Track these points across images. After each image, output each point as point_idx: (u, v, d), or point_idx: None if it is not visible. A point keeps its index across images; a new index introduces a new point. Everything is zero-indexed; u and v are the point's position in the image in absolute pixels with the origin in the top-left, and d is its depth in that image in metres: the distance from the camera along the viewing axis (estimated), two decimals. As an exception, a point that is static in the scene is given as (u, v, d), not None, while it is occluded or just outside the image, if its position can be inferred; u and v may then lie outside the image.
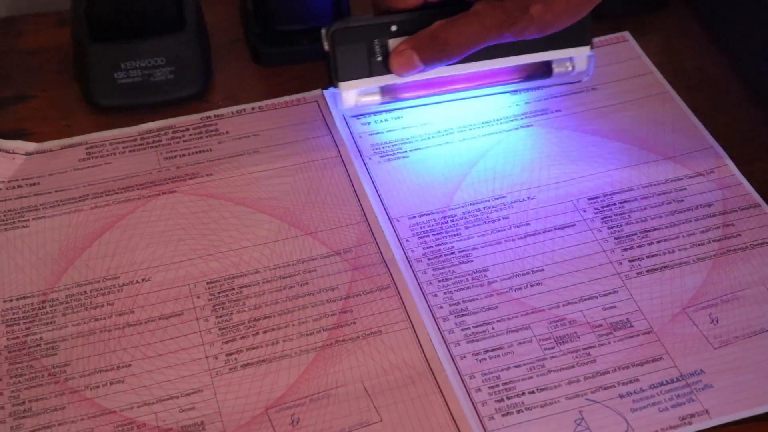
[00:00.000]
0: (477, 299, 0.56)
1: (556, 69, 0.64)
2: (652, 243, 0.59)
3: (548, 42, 0.61)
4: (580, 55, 0.64)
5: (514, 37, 0.58)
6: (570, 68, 0.64)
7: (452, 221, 0.60)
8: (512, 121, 0.67)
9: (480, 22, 0.57)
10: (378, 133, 0.66)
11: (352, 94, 0.62)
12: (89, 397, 0.51)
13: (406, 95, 0.64)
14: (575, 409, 0.51)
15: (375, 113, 0.66)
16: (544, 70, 0.64)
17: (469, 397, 0.52)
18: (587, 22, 0.61)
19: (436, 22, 0.58)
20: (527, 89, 0.68)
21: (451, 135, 0.66)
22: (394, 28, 0.59)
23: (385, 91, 0.63)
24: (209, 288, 0.56)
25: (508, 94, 0.68)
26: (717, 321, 0.56)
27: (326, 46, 0.60)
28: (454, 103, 0.67)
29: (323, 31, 0.60)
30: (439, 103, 0.66)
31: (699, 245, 0.59)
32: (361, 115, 0.67)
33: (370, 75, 0.60)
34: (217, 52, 0.71)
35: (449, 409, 0.51)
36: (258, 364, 0.53)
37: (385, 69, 0.60)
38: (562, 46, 0.63)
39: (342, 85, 0.61)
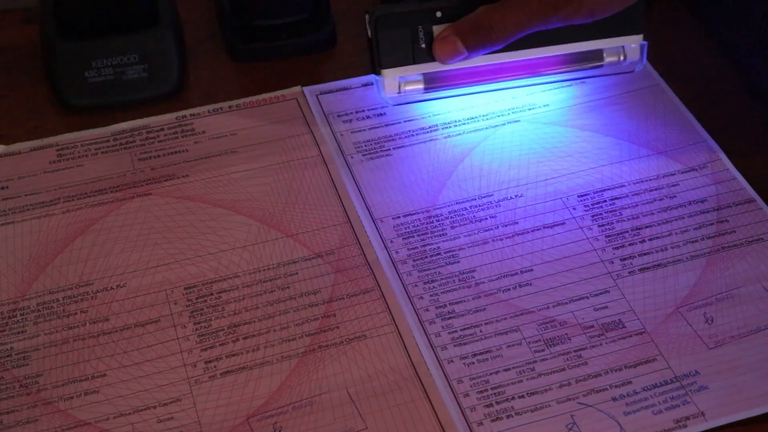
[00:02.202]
0: (464, 301, 0.57)
1: (607, 58, 0.64)
2: (644, 241, 0.60)
3: (599, 29, 0.62)
4: (632, 43, 0.64)
5: (562, 23, 0.58)
6: (622, 58, 0.64)
7: (438, 221, 0.61)
8: (499, 116, 0.67)
9: (526, 6, 0.57)
10: (360, 130, 0.66)
11: (395, 82, 0.62)
12: (63, 409, 0.51)
13: (452, 84, 0.64)
14: (567, 413, 0.52)
15: (351, 113, 0.67)
16: (594, 58, 0.64)
17: (457, 402, 0.52)
18: (641, 8, 0.61)
19: (481, 7, 0.58)
20: (577, 79, 0.68)
21: (436, 132, 0.66)
22: (438, 14, 0.60)
23: (429, 78, 0.63)
24: (187, 293, 0.56)
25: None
26: (712, 320, 0.56)
27: (369, 32, 0.61)
28: (440, 99, 0.68)
29: (366, 16, 0.61)
30: (486, 92, 0.66)
31: (692, 242, 0.60)
32: (342, 113, 0.67)
33: (414, 62, 0.61)
34: (193, 49, 0.71)
35: (437, 415, 0.51)
36: (238, 372, 0.53)
37: (429, 56, 0.61)
38: (614, 34, 0.63)
39: (385, 72, 0.61)
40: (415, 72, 0.62)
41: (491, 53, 0.61)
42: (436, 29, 0.60)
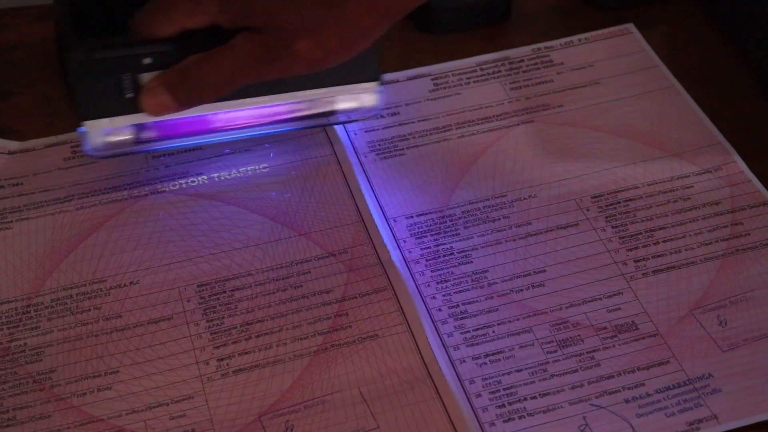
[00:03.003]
0: (477, 301, 0.57)
1: (341, 106, 0.59)
2: (657, 243, 0.60)
3: (333, 76, 0.56)
4: (368, 91, 0.59)
5: (278, 75, 0.52)
6: (357, 104, 0.60)
7: (451, 221, 0.61)
8: (513, 116, 0.67)
9: (237, 58, 0.51)
10: (374, 130, 0.66)
11: (100, 134, 0.55)
12: (76, 405, 0.52)
13: (168, 134, 0.57)
14: (579, 414, 0.52)
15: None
16: (327, 107, 0.59)
17: (469, 402, 0.52)
18: (376, 54, 0.57)
19: (190, 56, 0.52)
20: (310, 126, 0.62)
21: (450, 131, 0.66)
22: (147, 60, 0.53)
23: (140, 130, 0.56)
24: (199, 291, 0.57)
25: (508, 89, 0.69)
26: (725, 323, 0.56)
27: (67, 75, 0.53)
28: (452, 98, 0.68)
29: (65, 56, 0.53)
30: (211, 142, 0.61)
31: (706, 245, 0.60)
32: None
33: (121, 113, 0.54)
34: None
35: (449, 416, 0.52)
36: (251, 370, 0.53)
37: (138, 106, 0.54)
38: (349, 81, 0.58)
39: (87, 124, 0.54)
40: (123, 124, 0.55)
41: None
42: (145, 77, 0.53)
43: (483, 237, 0.60)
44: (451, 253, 0.59)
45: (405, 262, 0.59)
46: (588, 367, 0.54)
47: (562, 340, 0.55)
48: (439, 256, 0.59)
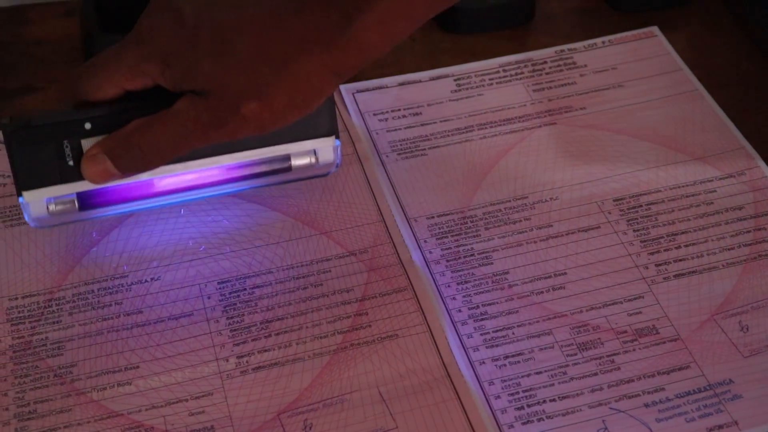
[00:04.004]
0: (497, 303, 0.57)
1: (296, 162, 0.56)
2: (679, 247, 0.60)
3: (287, 133, 0.54)
4: (325, 146, 0.56)
5: (226, 140, 0.49)
6: (313, 160, 0.57)
7: (472, 222, 0.61)
8: (535, 118, 0.67)
9: (181, 123, 0.48)
10: (396, 129, 0.66)
11: (42, 204, 0.52)
12: (96, 399, 0.52)
13: (115, 200, 0.55)
14: (598, 418, 0.52)
15: (387, 111, 0.66)
16: (281, 164, 0.56)
17: (488, 404, 0.52)
18: (330, 109, 0.55)
19: (133, 121, 0.49)
20: (264, 185, 0.59)
21: (472, 132, 0.66)
22: (87, 125, 0.50)
23: (84, 197, 0.53)
24: (220, 288, 0.57)
25: (523, 89, 0.68)
26: (747, 329, 0.56)
27: (5, 147, 0.51)
28: (475, 98, 0.68)
29: (0, 125, 0.51)
30: (161, 206, 0.58)
31: (729, 250, 0.59)
32: (378, 112, 0.67)
33: (62, 181, 0.51)
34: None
35: (467, 417, 0.51)
36: (270, 368, 0.53)
37: (80, 174, 0.51)
38: (304, 137, 0.55)
39: (26, 195, 0.51)
40: (65, 192, 0.52)
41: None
42: (86, 143, 0.50)
43: (504, 238, 0.60)
44: (472, 254, 0.59)
45: (425, 262, 0.58)
46: (608, 370, 0.54)
47: (582, 343, 0.55)
48: (460, 257, 0.59)
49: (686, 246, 0.60)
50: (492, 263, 0.59)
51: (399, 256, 0.59)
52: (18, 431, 0.50)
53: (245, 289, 0.57)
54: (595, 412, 0.52)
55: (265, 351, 0.54)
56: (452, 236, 0.60)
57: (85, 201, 0.53)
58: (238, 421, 0.51)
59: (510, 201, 0.62)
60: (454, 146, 0.65)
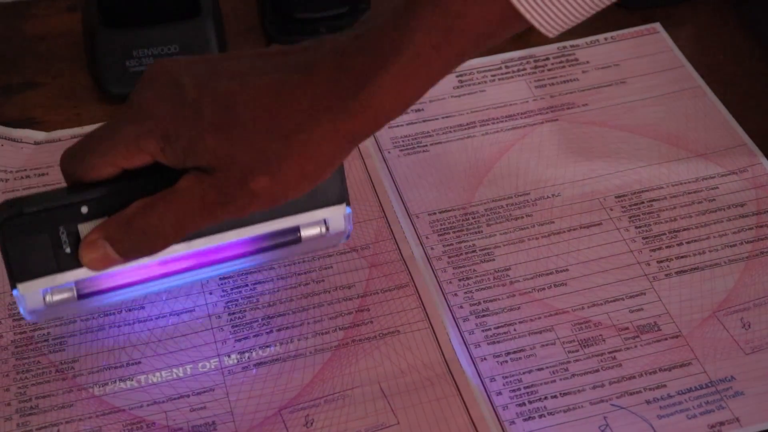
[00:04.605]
0: (498, 299, 0.56)
1: (306, 233, 0.52)
2: (681, 243, 0.59)
3: (296, 204, 0.51)
4: (335, 214, 0.52)
5: (234, 216, 0.46)
6: (324, 230, 0.53)
7: (474, 218, 0.60)
8: (537, 114, 0.67)
9: (185, 203, 0.44)
10: (398, 125, 0.66)
11: (38, 295, 0.48)
12: (97, 395, 0.52)
13: (116, 287, 0.50)
14: (600, 414, 0.51)
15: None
16: (290, 237, 0.52)
17: (490, 400, 0.52)
18: (340, 177, 0.52)
19: (134, 203, 0.46)
20: (274, 260, 0.56)
21: (474, 128, 0.66)
22: (84, 209, 0.46)
23: (84, 286, 0.49)
24: (222, 284, 0.57)
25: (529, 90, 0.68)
26: (749, 326, 0.55)
27: None
28: (477, 94, 0.67)
29: None
30: (165, 288, 0.55)
31: (731, 246, 0.59)
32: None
33: (59, 270, 0.47)
34: (232, 40, 0.71)
35: (469, 413, 0.51)
36: (272, 363, 0.53)
37: (78, 261, 0.47)
38: (313, 207, 0.51)
39: (21, 287, 0.47)
40: (62, 281, 0.47)
41: None
42: (84, 228, 0.47)
43: (506, 235, 0.60)
44: (474, 251, 0.59)
45: (427, 258, 0.58)
46: (609, 367, 0.53)
47: (584, 339, 0.55)
48: (461, 253, 0.59)
49: (688, 243, 0.59)
50: (494, 259, 0.58)
51: (401, 252, 0.58)
52: (20, 426, 0.50)
53: (247, 285, 0.57)
54: (597, 409, 0.52)
55: (267, 347, 0.54)
56: (454, 232, 0.60)
57: (85, 289, 0.49)
58: (239, 417, 0.51)
59: (512, 197, 0.62)
60: (456, 142, 0.65)
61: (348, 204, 0.52)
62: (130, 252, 0.46)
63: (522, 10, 0.42)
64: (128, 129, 0.45)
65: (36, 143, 0.64)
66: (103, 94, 0.67)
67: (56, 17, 0.73)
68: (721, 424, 0.51)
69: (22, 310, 0.49)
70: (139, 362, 0.53)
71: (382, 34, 0.43)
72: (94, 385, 0.52)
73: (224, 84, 0.44)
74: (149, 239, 0.46)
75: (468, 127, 0.66)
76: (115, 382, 0.52)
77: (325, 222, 0.52)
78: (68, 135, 0.64)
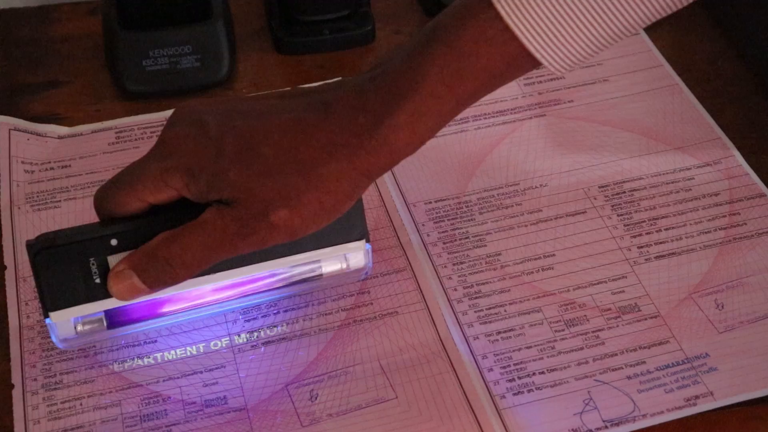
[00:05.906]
0: (490, 282, 0.56)
1: (326, 269, 0.52)
2: (660, 230, 0.59)
3: (314, 239, 0.49)
4: (356, 250, 0.52)
5: (255, 249, 0.45)
6: (345, 266, 0.52)
7: (467, 207, 0.60)
8: (526, 110, 0.66)
9: (208, 235, 0.44)
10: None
11: (69, 324, 0.48)
12: (117, 371, 0.52)
13: (144, 317, 0.51)
14: (584, 389, 0.51)
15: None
16: (311, 272, 0.52)
17: (482, 376, 0.52)
18: (361, 209, 0.51)
19: (159, 234, 0.45)
20: (295, 294, 0.55)
21: (467, 123, 0.65)
22: (114, 242, 0.46)
23: (113, 315, 0.49)
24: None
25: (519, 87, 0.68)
26: (722, 306, 0.55)
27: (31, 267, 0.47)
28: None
29: (26, 246, 0.46)
30: (191, 319, 0.53)
31: (706, 233, 0.59)
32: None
33: (89, 300, 0.47)
34: (242, 41, 0.71)
35: (462, 388, 0.51)
36: (278, 342, 0.53)
37: (107, 292, 0.47)
38: (334, 243, 0.51)
39: (53, 315, 0.47)
40: (92, 311, 0.48)
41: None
42: (113, 260, 0.46)
43: (497, 222, 0.59)
44: (467, 237, 0.59)
45: (423, 244, 0.58)
46: (593, 345, 0.53)
47: (569, 319, 0.54)
48: (456, 240, 0.58)
49: (666, 230, 0.59)
50: (485, 245, 0.58)
51: (399, 239, 0.58)
52: (46, 400, 0.50)
53: (256, 269, 0.56)
54: (581, 384, 0.52)
55: (274, 327, 0.54)
56: (448, 220, 0.59)
57: (114, 318, 0.49)
58: (248, 392, 0.51)
59: (502, 187, 0.61)
60: (450, 136, 0.64)
61: (368, 240, 0.52)
62: (155, 282, 0.46)
63: (532, 49, 0.42)
64: (154, 165, 0.45)
65: (59, 137, 0.64)
66: (122, 92, 0.67)
67: (78, 21, 0.73)
68: (696, 397, 0.51)
69: (54, 338, 0.49)
70: (155, 341, 0.53)
71: (397, 74, 0.43)
72: (114, 362, 0.52)
73: (245, 122, 0.44)
74: (174, 269, 0.45)
75: (461, 122, 0.65)
76: (133, 359, 0.52)
77: (345, 257, 0.52)
78: (89, 130, 0.64)
